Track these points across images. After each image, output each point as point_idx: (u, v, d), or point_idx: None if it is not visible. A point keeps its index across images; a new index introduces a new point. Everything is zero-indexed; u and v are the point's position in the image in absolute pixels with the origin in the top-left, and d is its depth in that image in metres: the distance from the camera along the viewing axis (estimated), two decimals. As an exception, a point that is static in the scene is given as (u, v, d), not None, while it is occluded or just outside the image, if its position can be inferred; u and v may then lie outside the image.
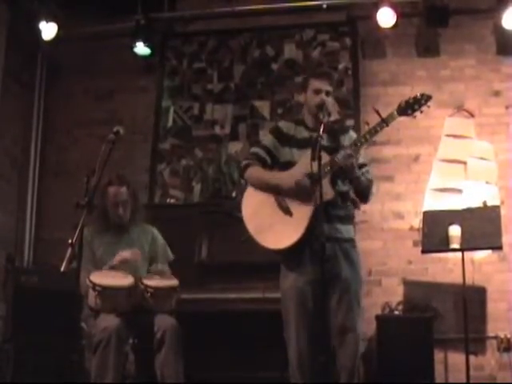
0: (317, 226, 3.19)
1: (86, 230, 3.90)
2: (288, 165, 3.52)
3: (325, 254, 3.03)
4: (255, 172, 3.54)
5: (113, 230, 4.15)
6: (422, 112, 3.38)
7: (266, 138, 3.71)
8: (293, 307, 3.35)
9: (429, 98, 3.39)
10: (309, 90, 3.56)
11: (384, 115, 3.37)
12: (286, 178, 3.42)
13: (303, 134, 3.57)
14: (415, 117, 3.41)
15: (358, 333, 3.35)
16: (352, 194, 3.55)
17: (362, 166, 3.51)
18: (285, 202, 3.43)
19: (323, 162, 3.21)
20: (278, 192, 3.43)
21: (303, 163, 3.32)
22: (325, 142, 3.44)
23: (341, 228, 3.44)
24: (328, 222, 3.27)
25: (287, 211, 3.40)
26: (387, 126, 3.37)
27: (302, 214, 3.35)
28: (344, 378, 3.31)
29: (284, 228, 3.38)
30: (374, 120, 3.45)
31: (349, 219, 3.52)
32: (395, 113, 3.39)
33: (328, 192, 3.29)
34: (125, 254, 4.01)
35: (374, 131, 3.37)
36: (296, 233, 3.34)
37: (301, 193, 3.35)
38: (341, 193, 3.45)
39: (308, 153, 3.17)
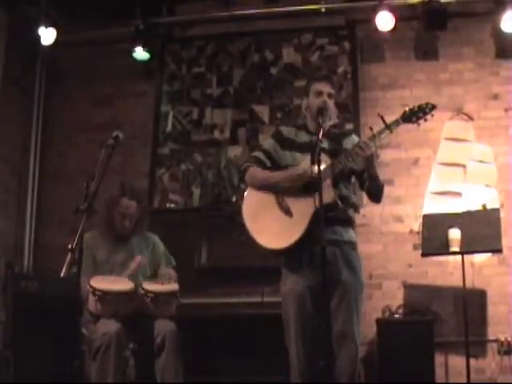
0: (316, 229, 3.15)
1: (88, 235, 3.92)
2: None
3: (325, 258, 3.02)
4: (254, 172, 3.53)
5: (114, 237, 4.18)
6: (426, 120, 3.37)
7: (266, 141, 3.71)
8: (292, 311, 3.33)
9: (433, 107, 3.38)
10: (311, 93, 3.56)
11: (388, 121, 3.37)
12: (285, 175, 3.41)
13: (304, 138, 3.56)
14: (419, 125, 3.39)
15: (357, 338, 3.32)
16: (353, 198, 3.55)
17: (363, 171, 3.51)
18: (285, 203, 3.41)
19: (324, 165, 3.22)
20: (277, 189, 3.42)
21: (304, 165, 3.32)
22: (326, 145, 3.44)
23: (340, 231, 3.41)
24: (327, 225, 3.21)
25: (287, 212, 3.39)
26: (391, 132, 3.35)
27: (302, 214, 3.33)
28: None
29: (284, 228, 3.36)
30: (374, 122, 3.45)
31: (349, 222, 3.49)
32: (400, 120, 3.37)
33: (328, 195, 3.28)
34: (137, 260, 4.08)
35: (379, 136, 3.36)
36: (295, 233, 3.32)
37: (304, 183, 3.31)
38: (341, 197, 3.44)
39: (309, 156, 3.17)
